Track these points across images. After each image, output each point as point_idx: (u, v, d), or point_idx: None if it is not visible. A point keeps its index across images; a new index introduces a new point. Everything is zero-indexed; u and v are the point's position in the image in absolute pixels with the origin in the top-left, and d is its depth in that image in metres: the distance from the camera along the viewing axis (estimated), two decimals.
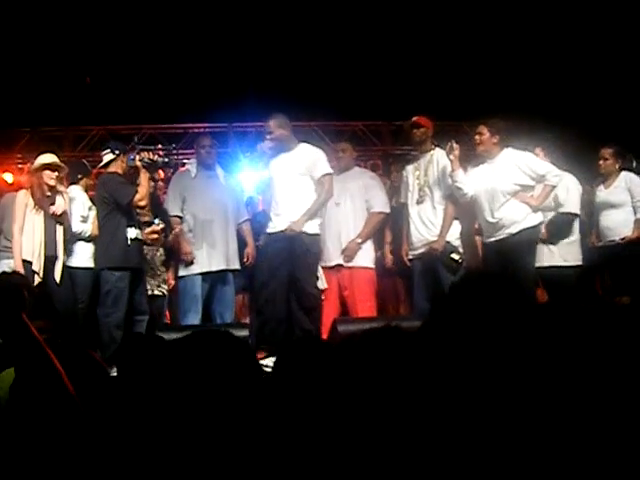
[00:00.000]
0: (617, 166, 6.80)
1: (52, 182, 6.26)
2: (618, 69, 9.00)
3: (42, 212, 6.19)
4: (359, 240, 6.75)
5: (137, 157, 6.12)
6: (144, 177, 6.13)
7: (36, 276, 6.05)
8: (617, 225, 6.72)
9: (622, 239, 6.63)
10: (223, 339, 1.97)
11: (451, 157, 6.18)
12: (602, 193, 6.82)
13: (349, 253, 6.73)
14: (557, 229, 6.51)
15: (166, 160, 6.24)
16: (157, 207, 6.80)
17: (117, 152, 6.31)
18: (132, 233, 6.11)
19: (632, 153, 7.11)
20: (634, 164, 7.03)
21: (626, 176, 6.76)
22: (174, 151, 9.58)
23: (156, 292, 6.69)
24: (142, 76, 9.58)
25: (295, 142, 6.20)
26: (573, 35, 8.93)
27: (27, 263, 6.03)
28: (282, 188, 6.10)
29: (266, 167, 6.24)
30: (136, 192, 6.07)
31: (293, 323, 5.96)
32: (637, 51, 8.63)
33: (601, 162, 6.82)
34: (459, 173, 6.19)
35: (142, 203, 6.16)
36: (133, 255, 6.13)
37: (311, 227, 6.04)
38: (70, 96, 9.56)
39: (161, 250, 6.80)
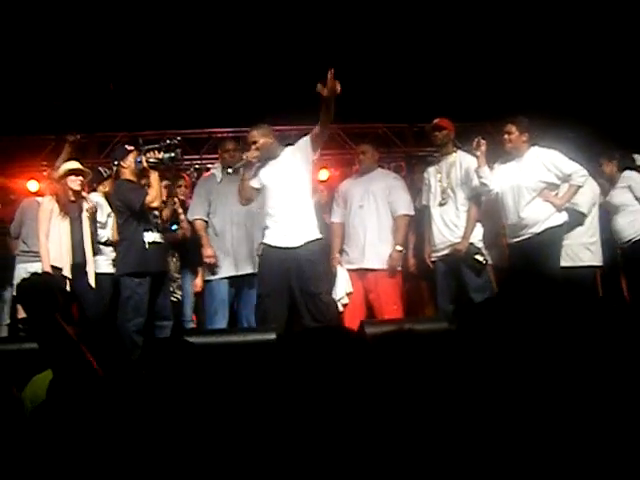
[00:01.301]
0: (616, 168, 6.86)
1: (77, 187, 6.35)
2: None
3: (68, 218, 6.26)
4: (399, 248, 6.73)
5: (143, 158, 5.98)
6: (154, 178, 5.99)
7: (67, 282, 6.13)
8: (622, 227, 6.77)
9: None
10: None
11: (478, 153, 6.19)
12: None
13: (394, 263, 6.69)
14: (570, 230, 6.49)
15: (172, 155, 6.02)
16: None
17: (115, 161, 6.22)
18: (150, 237, 5.98)
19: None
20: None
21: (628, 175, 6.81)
22: (198, 156, 9.78)
23: (172, 299, 6.62)
24: (166, 81, 9.63)
25: (281, 148, 5.89)
26: (588, 33, 8.89)
27: (56, 269, 6.09)
28: (277, 197, 5.77)
29: (255, 177, 5.87)
30: (146, 194, 5.96)
31: None
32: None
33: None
34: (485, 169, 6.21)
35: (155, 204, 6.01)
36: (153, 259, 5.99)
37: (312, 233, 5.76)
38: (94, 102, 9.61)
39: (176, 255, 6.84)
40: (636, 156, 7.02)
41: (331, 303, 5.96)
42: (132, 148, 6.19)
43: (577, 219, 6.45)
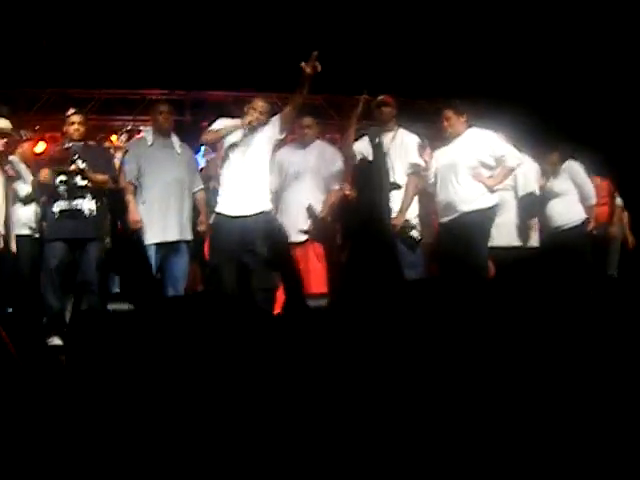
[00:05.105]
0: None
1: (1, 148, 6.22)
2: (577, 49, 9.05)
3: None
4: (326, 217, 6.70)
5: None
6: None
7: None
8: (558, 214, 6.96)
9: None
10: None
11: (426, 158, 6.38)
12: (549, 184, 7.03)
13: (316, 230, 6.67)
14: (523, 211, 6.63)
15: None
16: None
17: None
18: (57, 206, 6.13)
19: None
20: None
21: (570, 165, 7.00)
22: (131, 117, 9.59)
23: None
24: (99, 39, 9.39)
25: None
26: (527, 15, 8.97)
27: None
28: (236, 167, 6.03)
29: (225, 141, 6.09)
30: None
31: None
32: (595, 32, 8.70)
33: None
34: (432, 172, 6.33)
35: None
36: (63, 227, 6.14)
37: (264, 205, 6.05)
38: (26, 58, 9.35)
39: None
40: None
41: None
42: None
43: (532, 200, 6.64)
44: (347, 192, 6.61)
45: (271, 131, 6.02)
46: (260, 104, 6.06)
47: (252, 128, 5.97)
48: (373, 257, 6.02)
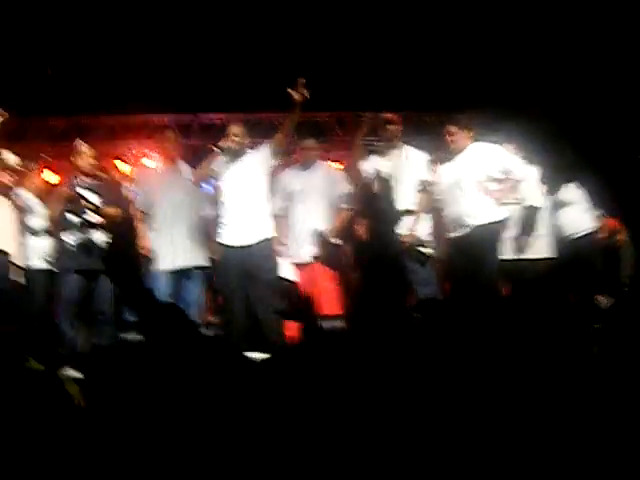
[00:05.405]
0: None
1: (8, 183, 6.29)
2: (583, 60, 9.04)
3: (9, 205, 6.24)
4: (334, 240, 6.69)
5: None
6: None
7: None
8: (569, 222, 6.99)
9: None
10: None
11: (434, 173, 6.37)
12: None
13: (326, 254, 6.66)
14: (522, 223, 6.59)
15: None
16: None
17: None
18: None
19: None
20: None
21: None
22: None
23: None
24: (102, 66, 9.45)
25: (245, 151, 6.11)
26: (533, 23, 8.96)
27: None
28: (233, 197, 6.02)
29: (217, 173, 6.12)
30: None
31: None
32: (602, 42, 8.68)
33: None
34: (438, 187, 6.32)
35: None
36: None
37: (266, 232, 6.02)
38: (31, 87, 9.41)
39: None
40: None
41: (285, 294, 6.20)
42: None
43: (531, 213, 6.59)
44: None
45: (261, 156, 6.02)
46: (234, 130, 6.07)
47: (232, 153, 5.99)
48: (384, 280, 6.04)
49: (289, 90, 5.58)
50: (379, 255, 6.27)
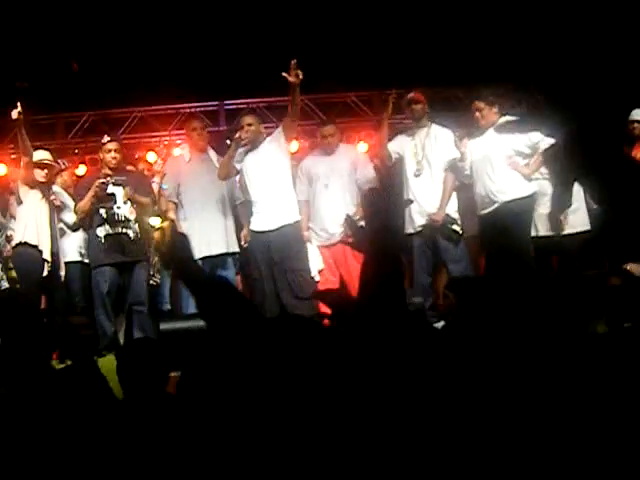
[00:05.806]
0: None
1: (42, 179, 6.35)
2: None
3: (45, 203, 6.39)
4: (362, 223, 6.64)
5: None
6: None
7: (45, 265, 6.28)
8: None
9: None
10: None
11: (462, 149, 6.30)
12: None
13: (358, 239, 6.60)
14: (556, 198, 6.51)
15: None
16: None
17: None
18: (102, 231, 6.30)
19: None
20: None
21: None
22: (167, 132, 9.65)
23: (150, 282, 6.76)
24: (129, 58, 9.49)
25: (263, 138, 6.29)
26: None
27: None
28: (257, 185, 6.19)
29: (240, 161, 6.24)
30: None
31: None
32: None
33: None
34: (467, 163, 6.29)
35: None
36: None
37: (290, 217, 6.15)
38: (58, 83, 9.48)
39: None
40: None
41: (308, 280, 6.22)
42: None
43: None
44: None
45: (276, 141, 6.18)
46: (247, 120, 6.25)
47: (249, 142, 6.14)
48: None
49: (284, 74, 5.70)
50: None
